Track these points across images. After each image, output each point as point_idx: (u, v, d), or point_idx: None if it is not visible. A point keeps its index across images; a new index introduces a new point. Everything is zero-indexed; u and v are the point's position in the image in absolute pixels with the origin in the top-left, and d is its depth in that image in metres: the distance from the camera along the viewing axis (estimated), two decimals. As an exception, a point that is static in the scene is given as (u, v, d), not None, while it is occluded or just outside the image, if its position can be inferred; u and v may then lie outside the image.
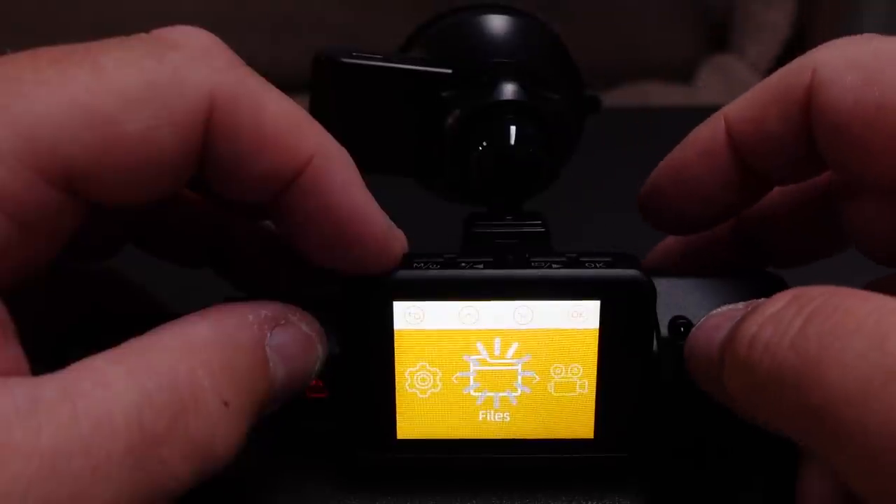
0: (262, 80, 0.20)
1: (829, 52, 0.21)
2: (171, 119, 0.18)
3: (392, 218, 0.21)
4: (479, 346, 0.23)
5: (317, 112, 0.27)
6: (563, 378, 0.23)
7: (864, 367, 0.15)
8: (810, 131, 0.21)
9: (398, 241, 0.22)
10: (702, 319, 0.22)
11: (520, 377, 0.23)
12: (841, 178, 0.24)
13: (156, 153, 0.18)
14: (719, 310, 0.21)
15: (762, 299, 0.19)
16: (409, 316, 0.22)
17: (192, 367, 0.18)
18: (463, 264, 0.22)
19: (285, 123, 0.19)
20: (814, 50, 0.22)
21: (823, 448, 0.17)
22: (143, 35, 0.19)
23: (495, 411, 0.23)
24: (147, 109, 0.17)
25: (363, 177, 0.21)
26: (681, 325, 0.23)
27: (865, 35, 0.21)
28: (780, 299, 0.18)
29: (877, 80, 0.20)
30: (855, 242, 0.24)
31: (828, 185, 0.25)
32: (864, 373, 0.15)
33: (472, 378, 0.23)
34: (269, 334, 0.20)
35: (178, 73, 0.18)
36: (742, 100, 0.23)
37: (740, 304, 0.21)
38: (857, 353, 0.16)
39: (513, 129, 0.25)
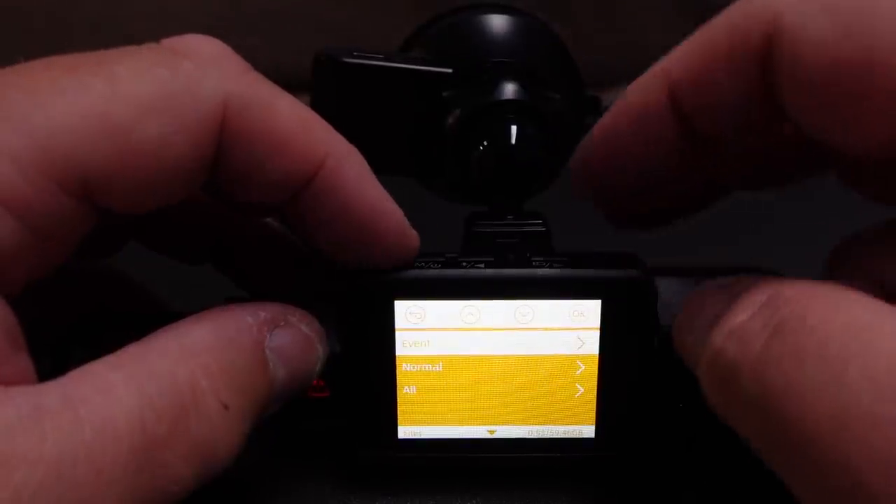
0: (272, 85, 0.20)
1: None
2: (185, 127, 0.18)
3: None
4: (480, 345, 0.23)
5: (318, 112, 0.27)
6: (564, 377, 0.23)
7: (822, 403, 0.14)
8: (772, 89, 0.18)
9: (414, 234, 0.22)
10: (687, 297, 0.19)
11: (521, 377, 0.23)
12: (819, 141, 0.18)
13: (170, 161, 0.18)
14: (702, 288, 0.19)
15: (743, 284, 0.18)
16: (410, 315, 0.22)
17: (191, 370, 0.18)
18: (464, 264, 0.22)
19: (298, 127, 0.19)
20: None
21: (785, 477, 0.16)
22: (154, 44, 0.19)
23: (496, 410, 0.23)
24: (161, 118, 0.18)
25: None
26: (681, 325, 0.23)
27: None
28: (750, 305, 0.17)
29: (861, 29, 0.16)
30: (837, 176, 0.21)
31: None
32: (823, 410, 0.14)
33: (473, 377, 0.23)
34: (268, 336, 0.20)
35: (191, 82, 0.18)
36: (684, 51, 0.19)
37: (728, 281, 0.19)
38: (816, 385, 0.14)
39: (513, 128, 0.25)
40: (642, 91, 0.20)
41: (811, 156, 0.21)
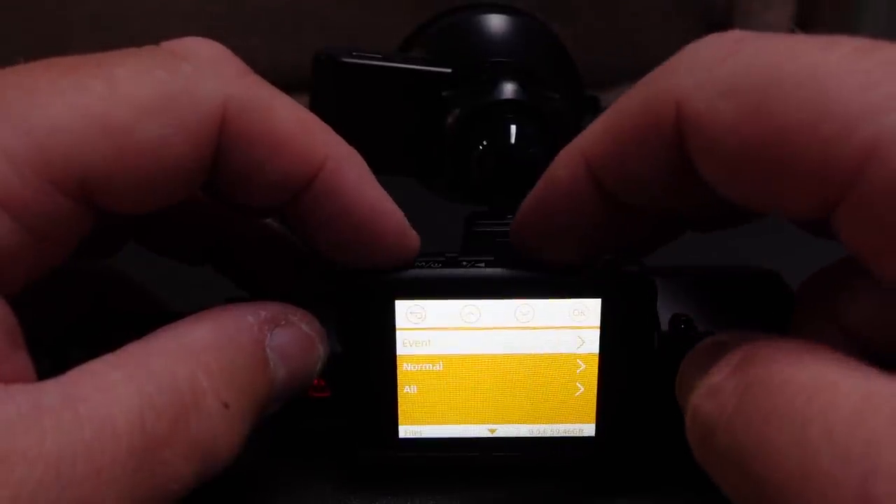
0: (271, 87, 0.20)
1: (691, 76, 0.17)
2: (183, 129, 0.18)
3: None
4: (481, 345, 0.23)
5: (317, 112, 0.27)
6: (564, 376, 0.23)
7: (787, 462, 0.14)
8: (686, 164, 0.18)
9: (414, 234, 0.22)
10: (686, 355, 0.20)
11: (522, 376, 0.23)
12: (742, 206, 0.18)
13: (168, 163, 0.18)
14: (700, 344, 0.20)
15: (727, 343, 0.18)
16: (410, 315, 0.22)
17: (191, 369, 0.18)
18: (464, 263, 0.22)
19: (297, 130, 0.20)
20: (668, 73, 0.18)
21: None
22: (153, 47, 0.19)
23: (497, 409, 0.23)
24: (160, 120, 0.18)
25: None
26: (682, 323, 0.23)
27: (723, 38, 0.17)
28: (726, 365, 0.17)
29: (765, 108, 0.16)
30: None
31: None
32: (788, 469, 0.14)
33: (473, 377, 0.23)
34: (269, 335, 0.20)
35: (191, 84, 0.18)
36: (597, 137, 0.19)
37: (720, 338, 0.19)
38: (781, 445, 0.15)
39: (513, 128, 0.26)
40: (563, 169, 0.20)
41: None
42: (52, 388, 0.16)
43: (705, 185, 0.18)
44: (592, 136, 0.19)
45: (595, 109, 0.31)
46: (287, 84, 0.21)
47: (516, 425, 0.24)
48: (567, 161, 0.20)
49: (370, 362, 0.23)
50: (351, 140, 0.21)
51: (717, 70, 0.17)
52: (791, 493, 0.14)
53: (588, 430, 0.24)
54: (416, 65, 0.27)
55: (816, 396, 0.15)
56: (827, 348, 0.16)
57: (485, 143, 0.26)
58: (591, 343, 0.23)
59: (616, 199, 0.20)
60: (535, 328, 0.23)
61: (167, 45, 0.20)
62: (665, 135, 0.18)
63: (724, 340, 0.19)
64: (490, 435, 0.24)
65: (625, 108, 0.19)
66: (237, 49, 0.20)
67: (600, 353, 0.23)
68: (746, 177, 0.17)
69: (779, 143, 0.16)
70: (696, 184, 0.18)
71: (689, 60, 0.17)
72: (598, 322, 0.22)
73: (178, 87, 0.18)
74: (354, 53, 0.26)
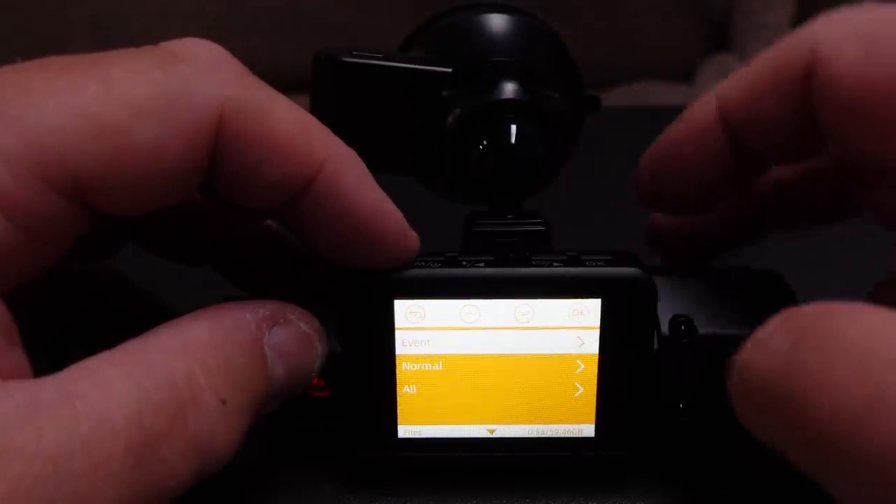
0: (270, 89, 0.20)
1: (828, 26, 0.19)
2: (179, 131, 0.18)
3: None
4: (480, 344, 0.23)
5: (317, 112, 0.27)
6: (564, 376, 0.23)
7: (850, 395, 0.15)
8: (811, 111, 0.20)
9: (414, 234, 0.22)
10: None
11: (521, 376, 0.23)
12: (850, 158, 0.21)
13: (164, 164, 0.18)
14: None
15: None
16: (410, 314, 0.22)
17: (189, 366, 0.18)
18: (464, 263, 0.22)
19: (295, 132, 0.20)
20: (811, 23, 0.20)
21: (819, 474, 0.16)
22: (151, 47, 0.19)
23: (496, 409, 0.23)
24: (156, 121, 0.18)
25: None
26: (681, 324, 0.23)
27: (866, 4, 0.19)
28: (771, 323, 0.18)
29: (879, 54, 0.18)
30: (868, 213, 0.23)
31: (834, 159, 0.23)
32: (852, 399, 0.15)
33: (473, 376, 0.23)
34: (267, 333, 0.20)
35: (188, 86, 0.18)
36: (735, 78, 0.22)
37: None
38: (843, 380, 0.15)
39: (513, 128, 0.25)
40: (698, 110, 0.22)
41: (848, 193, 0.23)
42: (50, 385, 0.16)
43: (822, 141, 0.20)
44: (729, 80, 0.21)
45: (596, 109, 0.31)
46: (287, 84, 0.21)
47: (516, 425, 0.24)
48: (702, 102, 0.22)
49: (369, 362, 0.23)
50: (351, 140, 0.21)
51: (850, 19, 0.19)
52: (855, 421, 0.15)
53: (587, 430, 0.24)
54: (417, 64, 0.27)
55: (877, 338, 0.15)
56: (875, 305, 0.16)
57: (485, 142, 0.25)
58: (590, 343, 0.23)
59: (740, 143, 0.21)
60: (534, 328, 0.23)
61: (165, 45, 0.19)
62: (795, 77, 0.19)
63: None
64: (489, 435, 0.24)
65: (763, 56, 0.21)
66: (237, 49, 0.20)
67: (600, 354, 0.23)
68: (865, 117, 0.18)
69: (888, 85, 0.17)
70: (813, 138, 0.20)
71: (827, 15, 0.19)
72: (597, 322, 0.22)
73: (175, 88, 0.18)
74: (354, 53, 0.26)
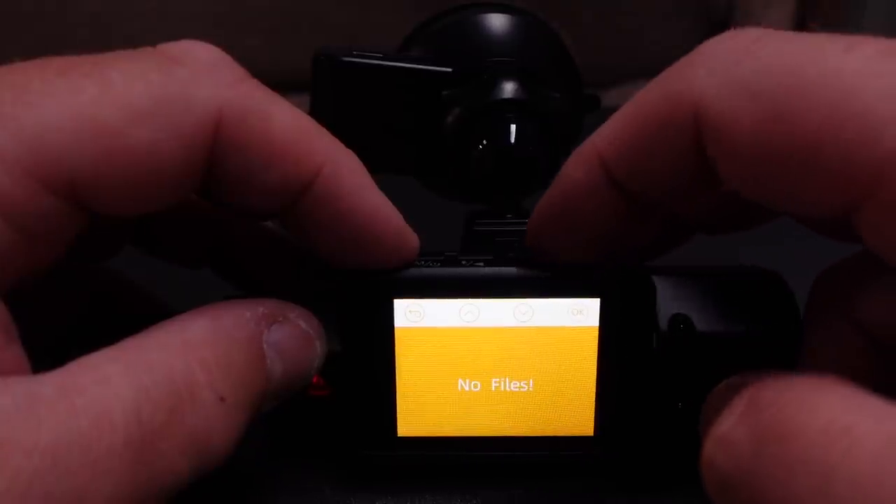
0: (269, 92, 0.20)
1: (711, 77, 0.17)
2: (176, 133, 0.18)
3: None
4: (480, 344, 0.23)
5: (317, 112, 0.27)
6: (563, 375, 0.23)
7: None
8: (704, 159, 0.18)
9: (413, 235, 0.22)
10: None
11: (520, 374, 0.23)
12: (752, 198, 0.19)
13: (160, 167, 0.18)
14: (718, 387, 0.19)
15: (732, 386, 0.18)
16: (409, 314, 0.22)
17: (188, 362, 0.18)
18: (463, 262, 0.22)
19: (294, 135, 0.20)
20: (686, 71, 0.18)
21: None
22: (150, 49, 0.19)
23: (496, 409, 0.23)
24: (153, 123, 0.18)
25: None
26: (681, 323, 0.23)
27: (742, 35, 0.17)
28: (732, 413, 0.16)
29: (790, 111, 0.16)
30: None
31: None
32: None
33: (472, 375, 0.23)
34: (266, 331, 0.20)
35: (186, 88, 0.18)
36: (613, 135, 0.19)
37: (733, 381, 0.19)
38: (806, 497, 0.14)
39: (513, 127, 0.26)
40: (579, 168, 0.20)
41: (749, 209, 0.22)
42: (49, 380, 0.16)
43: (722, 183, 0.18)
44: (608, 134, 0.19)
45: (596, 108, 0.31)
46: (286, 84, 0.21)
47: (515, 425, 0.24)
48: (582, 160, 0.20)
49: (369, 361, 0.23)
50: (351, 139, 0.21)
51: (737, 70, 0.16)
52: None
53: (587, 429, 0.24)
54: (417, 64, 0.27)
55: (835, 443, 0.14)
56: (836, 383, 0.15)
57: (485, 142, 0.25)
58: (589, 343, 0.23)
59: (632, 198, 0.20)
60: (533, 328, 0.23)
61: (164, 47, 0.19)
62: (683, 134, 0.18)
63: (735, 384, 0.18)
64: (489, 435, 0.24)
65: (641, 106, 0.19)
66: (237, 49, 0.20)
67: (599, 353, 0.23)
68: (768, 179, 0.17)
69: (803, 147, 0.16)
70: (713, 183, 0.18)
71: (708, 59, 0.17)
72: (596, 321, 0.22)
73: (172, 91, 0.18)
74: (354, 53, 0.26)
